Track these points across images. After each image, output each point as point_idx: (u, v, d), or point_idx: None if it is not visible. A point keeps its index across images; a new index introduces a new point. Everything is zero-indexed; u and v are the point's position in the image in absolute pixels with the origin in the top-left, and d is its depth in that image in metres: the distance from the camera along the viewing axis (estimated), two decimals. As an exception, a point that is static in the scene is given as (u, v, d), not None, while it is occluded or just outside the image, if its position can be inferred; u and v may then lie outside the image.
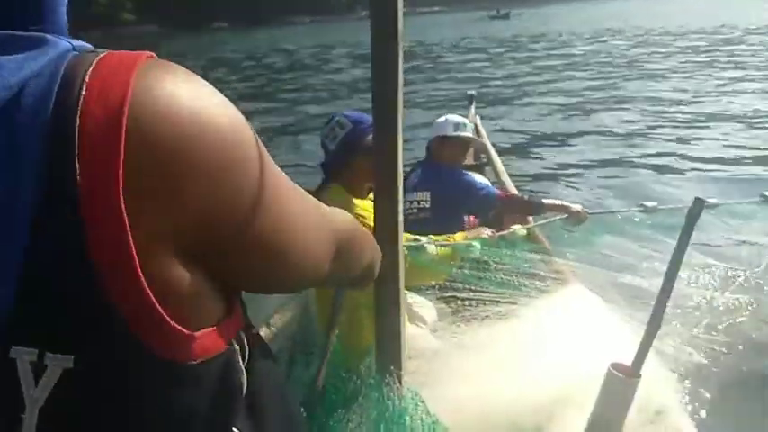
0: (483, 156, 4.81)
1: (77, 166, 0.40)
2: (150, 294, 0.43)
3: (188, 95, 0.46)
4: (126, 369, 0.45)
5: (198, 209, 0.46)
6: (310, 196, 0.64)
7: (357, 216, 2.13)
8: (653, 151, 6.73)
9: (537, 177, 6.05)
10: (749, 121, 7.92)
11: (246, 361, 0.56)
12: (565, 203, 2.97)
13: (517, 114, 9.51)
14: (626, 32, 25.05)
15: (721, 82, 11.06)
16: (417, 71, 15.62)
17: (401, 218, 1.23)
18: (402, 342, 1.27)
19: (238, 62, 23.78)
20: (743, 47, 17.07)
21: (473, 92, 6.02)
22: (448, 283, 2.39)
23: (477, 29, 36.56)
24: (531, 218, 3.14)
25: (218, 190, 0.47)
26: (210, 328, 0.50)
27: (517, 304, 2.19)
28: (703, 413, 2.16)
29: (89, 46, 0.49)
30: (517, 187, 4.20)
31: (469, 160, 4.93)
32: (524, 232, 2.41)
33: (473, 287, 2.35)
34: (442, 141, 3.19)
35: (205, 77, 0.50)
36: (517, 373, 1.77)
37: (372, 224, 1.23)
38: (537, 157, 6.98)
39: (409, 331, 2.27)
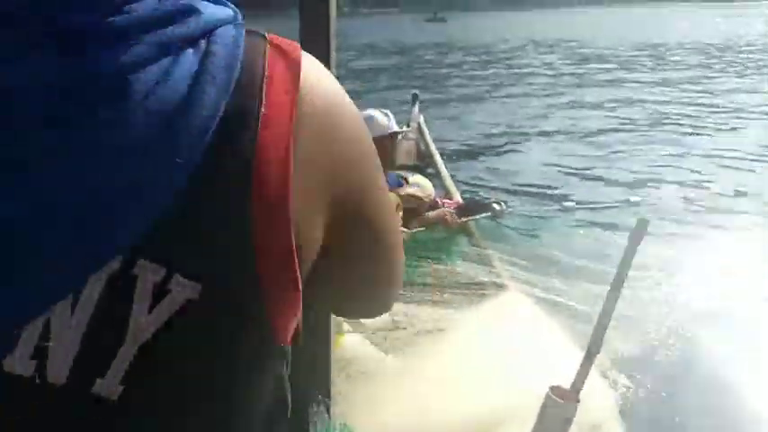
0: (427, 158, 4.78)
1: (258, 120, 0.43)
2: (294, 249, 0.43)
3: (337, 89, 0.51)
4: (240, 320, 0.43)
5: (343, 176, 0.50)
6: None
7: None
8: (587, 158, 6.86)
9: (475, 176, 6.05)
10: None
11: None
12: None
13: (456, 117, 9.55)
14: (558, 43, 25.57)
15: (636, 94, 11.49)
16: (352, 72, 15.45)
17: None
18: (329, 368, 1.17)
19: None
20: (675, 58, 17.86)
21: (416, 91, 5.97)
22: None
23: (413, 32, 36.29)
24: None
25: (359, 163, 0.52)
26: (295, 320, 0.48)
27: (453, 314, 2.14)
28: (638, 426, 2.16)
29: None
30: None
31: (411, 160, 4.88)
32: None
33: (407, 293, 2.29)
34: (391, 139, 3.19)
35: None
36: (454, 390, 1.70)
37: None
38: (477, 157, 7.01)
39: (350, 339, 2.19)
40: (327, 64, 0.98)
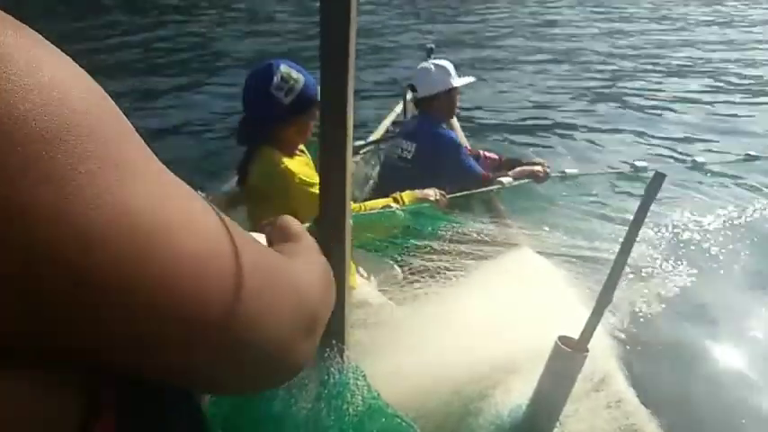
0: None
1: None
2: None
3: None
4: None
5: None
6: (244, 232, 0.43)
7: (301, 183, 2.03)
8: (622, 114, 6.76)
9: (496, 134, 6.01)
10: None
11: None
12: (527, 169, 3.05)
13: (475, 70, 9.38)
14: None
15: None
16: (364, 23, 15.03)
17: (349, 187, 1.14)
18: (345, 314, 1.20)
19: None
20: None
21: (431, 45, 5.84)
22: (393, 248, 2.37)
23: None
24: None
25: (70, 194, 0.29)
26: None
27: (465, 270, 2.17)
28: (642, 380, 2.20)
29: None
30: (473, 146, 4.17)
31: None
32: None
33: (419, 250, 2.32)
34: (448, 95, 2.96)
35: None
36: (463, 340, 1.74)
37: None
38: (495, 114, 6.94)
39: (360, 288, 2.23)
40: (348, 17, 0.96)
